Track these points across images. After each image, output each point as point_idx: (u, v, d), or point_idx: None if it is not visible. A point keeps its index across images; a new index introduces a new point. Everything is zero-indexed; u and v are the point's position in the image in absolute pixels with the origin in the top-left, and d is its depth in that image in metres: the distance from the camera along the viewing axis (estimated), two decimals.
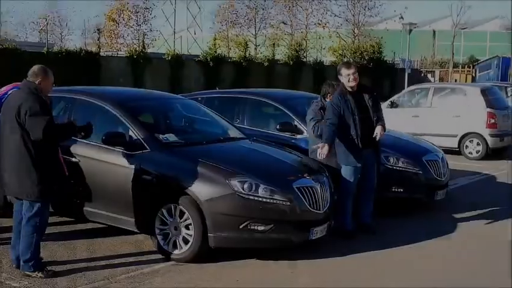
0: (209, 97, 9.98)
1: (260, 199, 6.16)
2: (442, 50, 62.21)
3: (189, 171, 6.32)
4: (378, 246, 7.03)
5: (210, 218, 6.14)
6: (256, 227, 6.16)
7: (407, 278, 6.17)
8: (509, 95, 18.40)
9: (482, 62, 51.73)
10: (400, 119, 15.26)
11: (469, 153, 14.77)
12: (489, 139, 14.55)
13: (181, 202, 6.28)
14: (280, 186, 6.31)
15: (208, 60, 30.13)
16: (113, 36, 46.04)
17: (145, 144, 6.66)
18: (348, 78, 7.31)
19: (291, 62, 34.85)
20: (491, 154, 14.72)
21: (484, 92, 15.08)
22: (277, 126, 8.74)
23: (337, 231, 7.28)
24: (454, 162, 13.61)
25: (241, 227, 6.13)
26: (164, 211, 6.40)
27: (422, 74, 48.78)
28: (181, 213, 6.32)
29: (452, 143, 14.85)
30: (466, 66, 52.33)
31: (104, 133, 6.66)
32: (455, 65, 51.70)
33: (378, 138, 7.25)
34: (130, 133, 6.78)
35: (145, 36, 35.40)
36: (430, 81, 45.79)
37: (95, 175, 6.82)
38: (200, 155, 6.55)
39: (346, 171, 7.35)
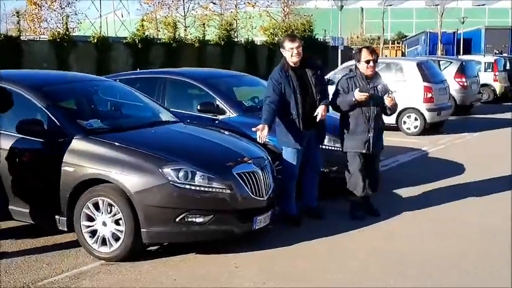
0: (129, 78, 9.22)
1: (197, 188, 5.57)
2: (370, 27, 62.92)
3: (116, 160, 5.65)
4: (326, 233, 6.55)
5: (142, 212, 5.49)
6: (194, 219, 5.57)
7: (357, 268, 5.71)
8: (441, 68, 18.29)
9: (411, 37, 52.53)
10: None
11: (407, 128, 14.56)
12: (426, 114, 14.37)
13: (109, 194, 5.61)
14: (219, 172, 5.73)
15: (137, 42, 29.01)
16: (36, 20, 44.17)
17: (65, 132, 5.93)
18: (291, 52, 6.75)
19: (222, 42, 34.07)
20: (428, 129, 14.53)
21: (420, 66, 14.87)
22: (198, 107, 8.12)
23: (281, 217, 6.80)
24: (393, 139, 13.44)
25: (177, 219, 5.52)
26: (90, 205, 5.71)
27: (354, 51, 48.87)
28: (110, 207, 5.65)
29: (390, 119, 14.35)
30: (395, 42, 52.98)
31: (19, 121, 5.90)
32: (385, 42, 52.26)
33: (318, 119, 6.73)
34: (49, 120, 6.02)
35: (70, 19, 33.90)
36: None
37: (10, 168, 6.04)
38: (129, 141, 5.87)
39: (287, 154, 6.84)
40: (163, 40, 31.29)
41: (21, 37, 25.04)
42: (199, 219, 5.58)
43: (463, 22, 47.05)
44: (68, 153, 5.81)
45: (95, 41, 27.39)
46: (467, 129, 15.37)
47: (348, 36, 56.72)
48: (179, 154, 5.82)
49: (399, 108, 14.33)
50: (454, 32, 46.11)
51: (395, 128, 14.58)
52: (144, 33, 29.69)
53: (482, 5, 69.61)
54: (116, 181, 5.58)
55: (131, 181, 5.53)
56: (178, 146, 6.16)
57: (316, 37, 42.30)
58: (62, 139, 5.91)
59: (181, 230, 5.56)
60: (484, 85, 22.40)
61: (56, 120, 6.01)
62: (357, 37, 58.64)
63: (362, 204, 7.10)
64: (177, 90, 8.78)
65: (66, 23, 27.33)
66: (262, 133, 6.42)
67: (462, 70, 18.92)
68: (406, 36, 56.95)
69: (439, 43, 44.87)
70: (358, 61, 7.04)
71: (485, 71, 23.77)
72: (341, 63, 21.86)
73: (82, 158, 5.77)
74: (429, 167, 10.53)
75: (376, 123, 7.03)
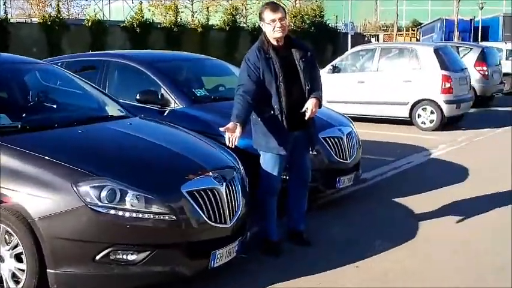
0: (70, 62, 7.69)
1: (127, 214, 3.97)
2: (385, 14, 61.25)
3: (17, 172, 4.05)
4: (313, 267, 4.94)
5: (49, 245, 3.91)
6: (123, 257, 3.97)
7: None
8: (460, 55, 16.54)
9: (426, 25, 50.80)
10: (343, 86, 13.47)
11: (422, 123, 12.82)
12: (444, 106, 12.60)
13: (6, 220, 4.02)
14: (161, 191, 4.12)
15: (135, 26, 27.48)
16: (41, 4, 42.77)
17: None
18: (273, 25, 5.05)
19: (227, 27, 32.44)
20: (446, 123, 12.83)
21: (438, 51, 13.09)
22: (137, 96, 6.51)
23: (259, 242, 5.25)
24: (406, 135, 11.94)
25: (98, 258, 3.93)
26: None
27: (366, 38, 47.27)
28: (9, 236, 4.07)
29: (403, 112, 12.92)
30: (410, 29, 51.36)
31: None
32: (399, 29, 50.63)
33: (307, 116, 5.05)
34: None
35: (76, 3, 32.36)
36: None
37: None
38: (40, 146, 4.27)
39: (266, 161, 5.18)
40: (164, 24, 29.66)
41: (9, 19, 23.51)
42: (130, 257, 3.98)
43: (482, 8, 45.01)
44: None
45: (89, 24, 25.83)
46: (489, 124, 13.59)
47: (361, 24, 55.04)
48: (106, 165, 4.21)
49: (413, 100, 13.02)
50: (470, 20, 44.18)
51: (409, 122, 12.91)
52: (142, 17, 28.04)
53: None
54: (15, 202, 3.99)
55: (35, 203, 3.94)
56: (109, 154, 4.50)
57: (327, 23, 40.60)
58: None
59: (104, 272, 3.96)
60: (506, 74, 20.55)
61: None
62: (370, 24, 56.78)
63: None
64: (120, 76, 7.21)
65: (58, 5, 25.70)
66: (233, 135, 4.80)
67: (483, 58, 17.13)
68: (421, 23, 55.11)
69: (456, 30, 43.00)
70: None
71: (506, 59, 21.91)
72: None
73: None
74: (447, 171, 8.82)
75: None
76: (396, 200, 7.02)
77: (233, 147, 4.84)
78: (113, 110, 5.52)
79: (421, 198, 7.12)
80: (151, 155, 4.61)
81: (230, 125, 4.79)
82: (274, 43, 5.13)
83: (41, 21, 24.50)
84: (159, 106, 6.49)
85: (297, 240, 5.45)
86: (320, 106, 5.18)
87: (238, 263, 4.78)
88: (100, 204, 3.91)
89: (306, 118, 5.04)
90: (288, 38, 5.22)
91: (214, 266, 4.34)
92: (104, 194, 3.94)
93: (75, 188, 3.92)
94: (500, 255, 5.26)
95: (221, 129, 4.82)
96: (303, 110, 5.02)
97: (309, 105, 5.03)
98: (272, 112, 5.04)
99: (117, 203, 3.95)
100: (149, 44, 26.94)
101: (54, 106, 5.44)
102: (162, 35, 28.64)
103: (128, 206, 3.97)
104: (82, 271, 3.95)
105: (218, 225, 4.30)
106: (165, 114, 6.41)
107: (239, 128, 4.79)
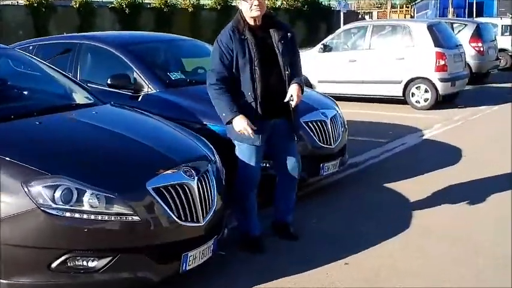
0: (41, 45, 7.25)
1: (85, 216, 3.56)
2: None
3: None
4: (301, 263, 4.56)
5: None
6: (82, 264, 3.58)
7: None
8: (455, 32, 16.07)
9: (420, 1, 50.21)
10: (334, 65, 13.07)
11: (416, 101, 12.39)
12: (439, 84, 12.17)
13: None
14: (123, 189, 3.71)
15: (124, 6, 26.91)
16: None
17: None
18: (250, 3, 4.60)
19: (218, 6, 31.84)
20: (441, 102, 12.40)
21: (431, 28, 12.62)
22: (107, 81, 6.08)
23: (239, 237, 4.88)
24: (399, 114, 11.55)
25: (54, 265, 3.52)
26: None
27: (360, 16, 46.65)
28: None
29: (397, 91, 12.49)
30: (404, 6, 50.82)
31: None
32: (393, 6, 50.10)
33: (293, 105, 4.66)
34: None
35: None
36: None
37: None
38: None
39: (242, 152, 4.75)
40: (154, 5, 29.08)
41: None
42: (90, 264, 3.59)
43: None
44: None
45: (77, 5, 25.26)
46: (485, 101, 13.17)
47: (355, 1, 54.40)
48: (62, 162, 3.78)
49: (407, 78, 12.60)
50: None
51: (402, 101, 12.50)
52: None
53: None
54: None
55: None
56: (67, 149, 4.04)
57: (320, 1, 40.11)
58: None
59: (61, 281, 3.56)
60: (502, 50, 20.12)
61: None
62: (364, 1, 56.13)
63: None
64: (93, 59, 6.78)
65: None
66: (247, 130, 4.47)
67: (478, 34, 16.66)
68: (415, 0, 54.51)
69: (450, 7, 42.42)
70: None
71: (502, 34, 21.46)
72: None
73: None
74: (443, 152, 8.41)
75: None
76: (388, 185, 6.64)
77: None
78: (80, 97, 5.09)
79: (414, 183, 6.74)
80: (115, 148, 4.17)
81: (238, 122, 4.47)
82: (251, 23, 4.69)
83: (28, 3, 23.89)
84: (132, 91, 6.06)
85: (283, 233, 5.06)
86: (302, 92, 4.73)
87: (216, 263, 4.39)
88: (54, 206, 3.50)
89: (292, 107, 4.62)
90: (267, 17, 4.77)
91: (187, 269, 3.95)
92: (58, 194, 3.52)
93: (26, 189, 3.51)
94: (501, 246, 4.88)
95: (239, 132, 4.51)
96: (287, 99, 4.59)
97: (293, 92, 4.60)
98: (245, 99, 4.59)
99: (74, 203, 3.54)
100: (139, 25, 26.41)
101: (13, 95, 4.99)
102: (152, 15, 28.09)
103: (85, 207, 3.56)
104: (38, 281, 3.55)
105: (189, 224, 3.90)
106: (139, 99, 5.99)
107: (243, 119, 4.47)
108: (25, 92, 5.10)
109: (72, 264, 3.55)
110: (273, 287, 4.24)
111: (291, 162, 4.91)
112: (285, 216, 5.12)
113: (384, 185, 6.66)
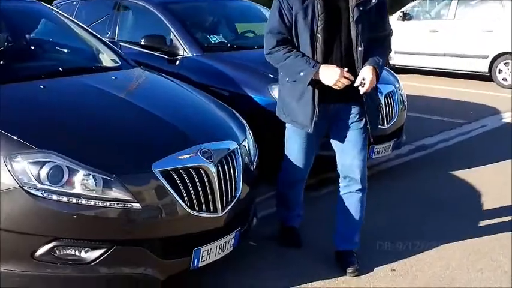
0: (84, 1, 6.81)
1: (76, 200, 3.03)
2: None
3: None
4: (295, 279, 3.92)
5: None
6: (71, 255, 3.07)
7: None
8: None
9: None
10: (414, 36, 12.18)
11: (503, 79, 11.32)
12: None
13: None
14: (124, 170, 3.15)
15: None
16: None
17: None
18: None
19: None
20: None
21: None
22: (141, 41, 5.67)
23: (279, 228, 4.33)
24: (483, 92, 10.57)
25: (37, 254, 3.02)
26: None
27: None
28: None
29: (482, 67, 11.48)
30: None
31: None
32: None
33: (362, 91, 3.65)
34: None
35: None
36: None
37: None
38: None
39: (290, 136, 3.98)
40: None
41: None
42: (80, 255, 3.07)
43: None
44: None
45: None
46: None
47: None
48: (55, 134, 3.25)
49: (494, 53, 11.54)
50: None
51: (488, 77, 11.45)
52: None
53: None
54: None
55: None
56: (66, 119, 3.48)
57: None
58: None
59: (45, 273, 3.05)
60: None
61: None
62: None
63: None
64: (131, 19, 6.40)
65: None
66: (343, 79, 3.57)
67: None
68: None
69: None
70: None
71: None
72: None
73: None
74: None
75: None
76: (456, 173, 5.85)
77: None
78: (105, 59, 4.56)
79: (489, 173, 5.91)
80: (123, 121, 3.60)
81: (329, 72, 3.58)
82: None
83: None
84: (167, 54, 5.55)
85: (341, 262, 3.97)
86: (378, 78, 3.70)
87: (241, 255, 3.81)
88: (39, 186, 2.99)
89: (361, 93, 3.68)
90: None
91: (199, 265, 3.38)
92: (44, 172, 3.00)
93: (8, 164, 3.01)
94: None
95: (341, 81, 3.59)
96: (357, 83, 3.63)
97: (366, 74, 3.60)
98: (301, 74, 3.70)
99: (63, 185, 3.02)
100: None
101: (29, 55, 4.49)
102: None
103: (77, 189, 3.03)
104: (22, 270, 3.06)
105: (204, 214, 3.31)
106: (177, 63, 5.48)
107: (339, 70, 3.56)
108: (43, 53, 4.61)
109: (60, 253, 3.04)
110: None
111: (354, 171, 3.85)
112: (343, 243, 4.01)
113: (452, 172, 5.88)
